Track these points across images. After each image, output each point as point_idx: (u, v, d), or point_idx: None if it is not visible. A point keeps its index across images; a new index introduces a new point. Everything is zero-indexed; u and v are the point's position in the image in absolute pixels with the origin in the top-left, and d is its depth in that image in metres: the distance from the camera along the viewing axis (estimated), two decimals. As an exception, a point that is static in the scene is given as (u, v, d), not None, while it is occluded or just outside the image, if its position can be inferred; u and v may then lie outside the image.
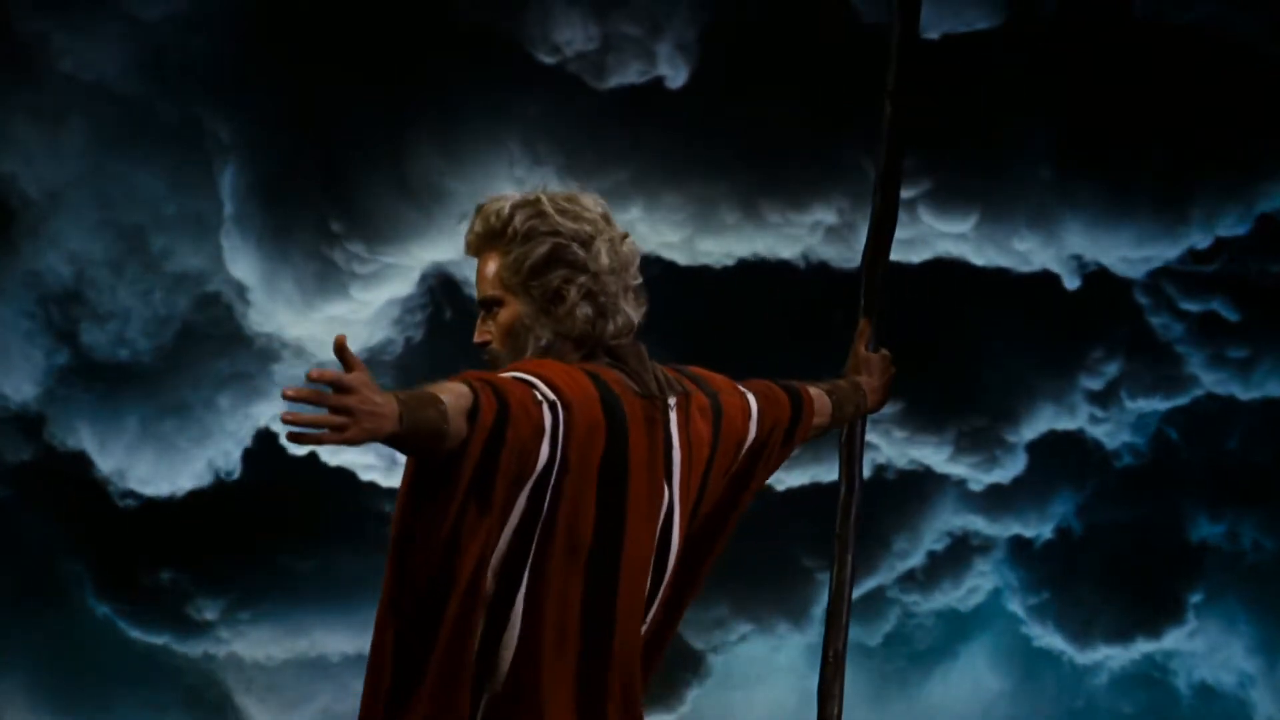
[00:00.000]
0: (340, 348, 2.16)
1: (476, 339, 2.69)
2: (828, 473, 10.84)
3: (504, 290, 2.65)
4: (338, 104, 9.47)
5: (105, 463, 10.25)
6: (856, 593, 12.06)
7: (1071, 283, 10.19)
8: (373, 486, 10.30)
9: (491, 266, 2.66)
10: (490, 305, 2.67)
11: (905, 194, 10.27)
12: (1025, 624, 11.49)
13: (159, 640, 10.83)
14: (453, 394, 2.30)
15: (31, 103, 9.59)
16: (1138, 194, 9.78)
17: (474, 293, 2.88)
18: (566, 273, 2.62)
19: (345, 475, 10.17)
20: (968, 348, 10.47)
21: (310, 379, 2.12)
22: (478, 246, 2.69)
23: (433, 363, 10.09)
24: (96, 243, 9.92)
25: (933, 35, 9.34)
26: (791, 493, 10.79)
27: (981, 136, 9.65)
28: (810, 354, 10.38)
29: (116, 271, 9.98)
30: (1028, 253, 10.07)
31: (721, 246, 10.09)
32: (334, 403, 2.12)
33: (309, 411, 2.12)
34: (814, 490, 10.81)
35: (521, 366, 2.53)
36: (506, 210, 2.64)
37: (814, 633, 11.29)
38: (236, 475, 10.42)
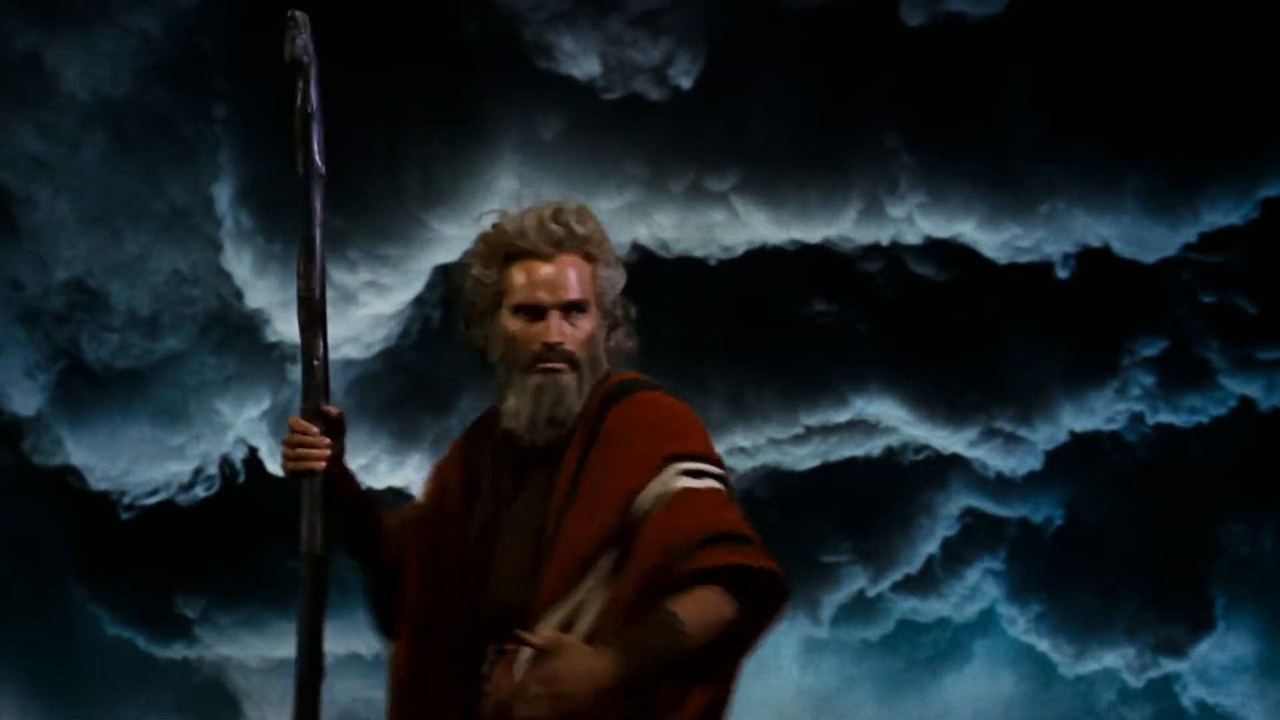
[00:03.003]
0: (528, 639, 2.30)
1: (556, 338, 2.62)
2: (835, 452, 10.77)
3: (592, 300, 2.66)
4: (339, 110, 9.35)
5: (102, 467, 10.20)
6: (873, 589, 11.83)
7: (1082, 279, 10.08)
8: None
9: (582, 271, 2.65)
10: (576, 308, 2.65)
11: (905, 208, 10.21)
12: (1033, 627, 11.36)
13: (157, 643, 10.82)
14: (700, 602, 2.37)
15: (30, 111, 9.53)
16: (1147, 186, 9.70)
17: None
18: (625, 307, 2.74)
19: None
20: (980, 345, 10.38)
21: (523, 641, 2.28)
22: (567, 243, 2.66)
23: (439, 356, 10.02)
24: (97, 249, 9.87)
25: (926, 25, 9.27)
26: (803, 479, 10.73)
27: (981, 130, 9.59)
28: (797, 344, 10.36)
29: (116, 277, 9.93)
30: (1034, 247, 9.98)
31: (721, 243, 10.05)
32: (544, 690, 2.24)
33: None
34: (823, 479, 10.75)
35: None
36: (600, 225, 2.70)
37: (821, 629, 11.22)
38: (239, 479, 10.38)
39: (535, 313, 2.64)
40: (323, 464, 2.70)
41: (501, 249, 2.68)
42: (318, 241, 2.81)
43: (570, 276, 2.65)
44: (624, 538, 2.50)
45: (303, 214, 2.84)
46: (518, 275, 2.66)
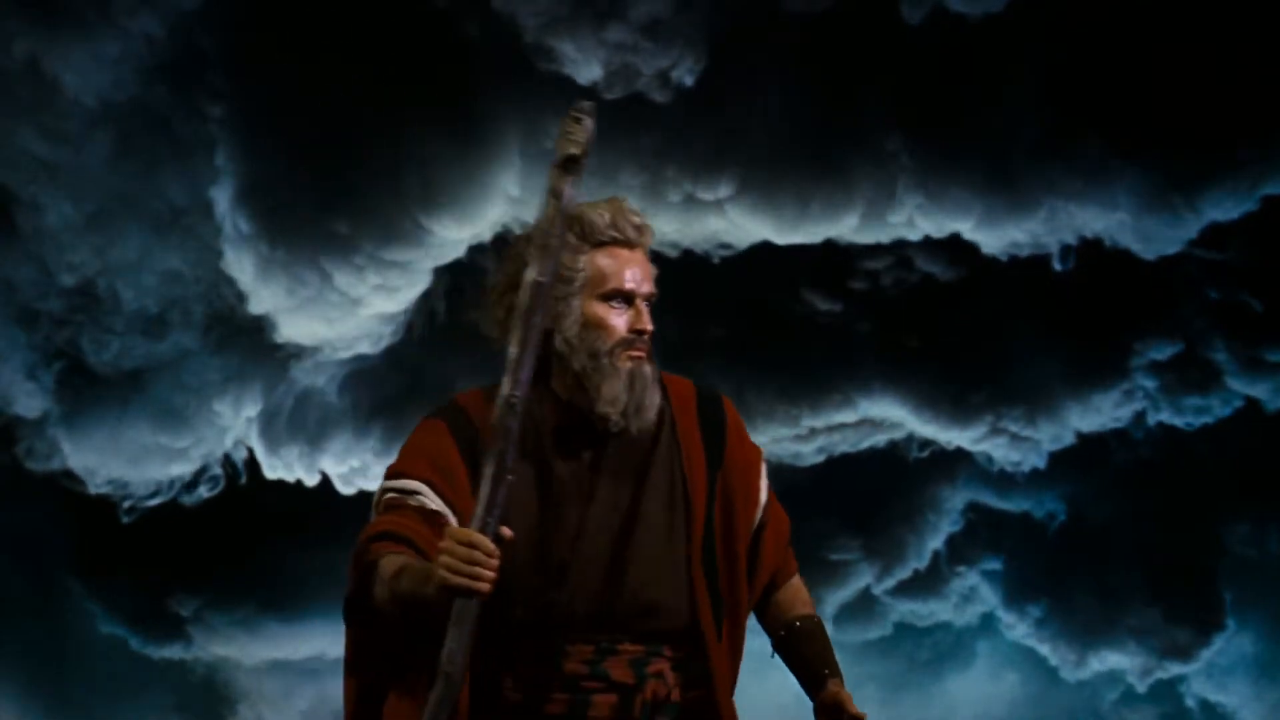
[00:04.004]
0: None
1: (649, 325, 2.71)
2: (839, 447, 10.75)
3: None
4: (339, 111, 9.39)
5: (102, 468, 10.18)
6: (880, 587, 11.84)
7: (1087, 279, 10.06)
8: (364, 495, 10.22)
9: (649, 265, 2.75)
10: (649, 300, 2.74)
11: (905, 210, 10.22)
12: (1033, 632, 11.33)
13: (151, 643, 10.80)
14: None
15: (31, 114, 9.52)
16: (1148, 185, 9.68)
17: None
18: None
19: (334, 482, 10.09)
20: (985, 346, 10.36)
21: None
22: (645, 243, 2.75)
23: (447, 345, 10.01)
24: (98, 250, 9.87)
25: (925, 24, 9.26)
26: (807, 474, 10.70)
27: (981, 130, 9.58)
28: (798, 344, 10.35)
29: (117, 278, 9.93)
30: (1033, 242, 9.96)
31: (721, 240, 10.05)
32: None
33: None
34: (827, 474, 10.73)
35: None
36: None
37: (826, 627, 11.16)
38: (240, 480, 10.36)
39: (627, 299, 2.70)
40: (489, 588, 2.42)
41: (592, 236, 2.70)
42: (528, 361, 2.47)
43: (648, 270, 2.73)
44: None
45: (521, 324, 2.47)
46: (608, 262, 2.69)
